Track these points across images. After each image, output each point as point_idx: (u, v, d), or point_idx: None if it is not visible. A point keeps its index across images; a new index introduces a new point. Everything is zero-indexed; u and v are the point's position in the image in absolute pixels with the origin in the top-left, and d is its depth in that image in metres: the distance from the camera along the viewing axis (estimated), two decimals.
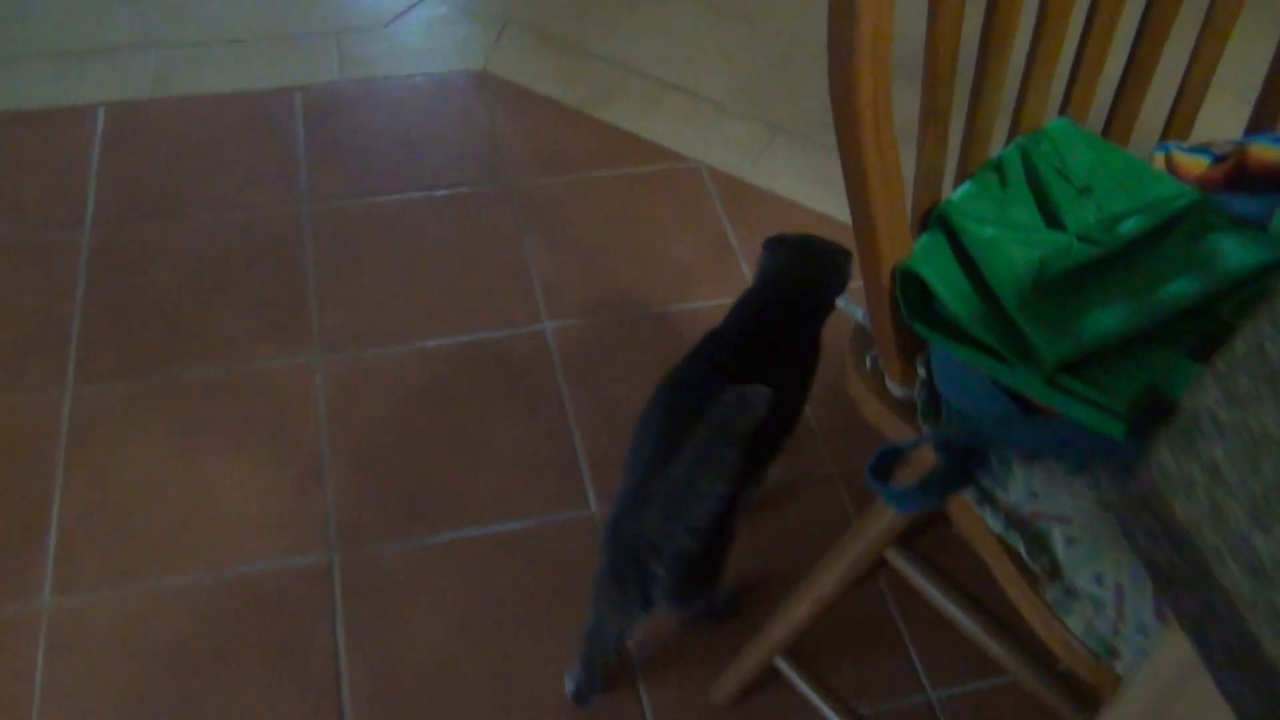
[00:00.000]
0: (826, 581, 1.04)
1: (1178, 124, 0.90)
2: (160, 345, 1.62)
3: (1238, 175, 0.84)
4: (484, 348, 1.66)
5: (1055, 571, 0.71)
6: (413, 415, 1.56)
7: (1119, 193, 0.80)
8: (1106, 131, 0.89)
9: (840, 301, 0.89)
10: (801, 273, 1.31)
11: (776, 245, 1.36)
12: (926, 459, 0.76)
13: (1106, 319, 0.71)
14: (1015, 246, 0.76)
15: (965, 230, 0.76)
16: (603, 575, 1.11)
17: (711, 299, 1.74)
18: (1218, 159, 0.87)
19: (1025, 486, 0.72)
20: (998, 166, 0.82)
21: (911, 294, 0.75)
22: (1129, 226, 0.77)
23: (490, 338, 1.67)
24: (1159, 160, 0.87)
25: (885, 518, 0.98)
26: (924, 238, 0.78)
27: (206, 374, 1.58)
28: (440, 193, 1.89)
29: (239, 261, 1.75)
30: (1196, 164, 0.87)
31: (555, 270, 1.77)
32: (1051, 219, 0.79)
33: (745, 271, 1.79)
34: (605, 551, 1.10)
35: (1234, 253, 0.75)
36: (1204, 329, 0.72)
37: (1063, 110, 0.86)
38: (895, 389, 0.82)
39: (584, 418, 1.57)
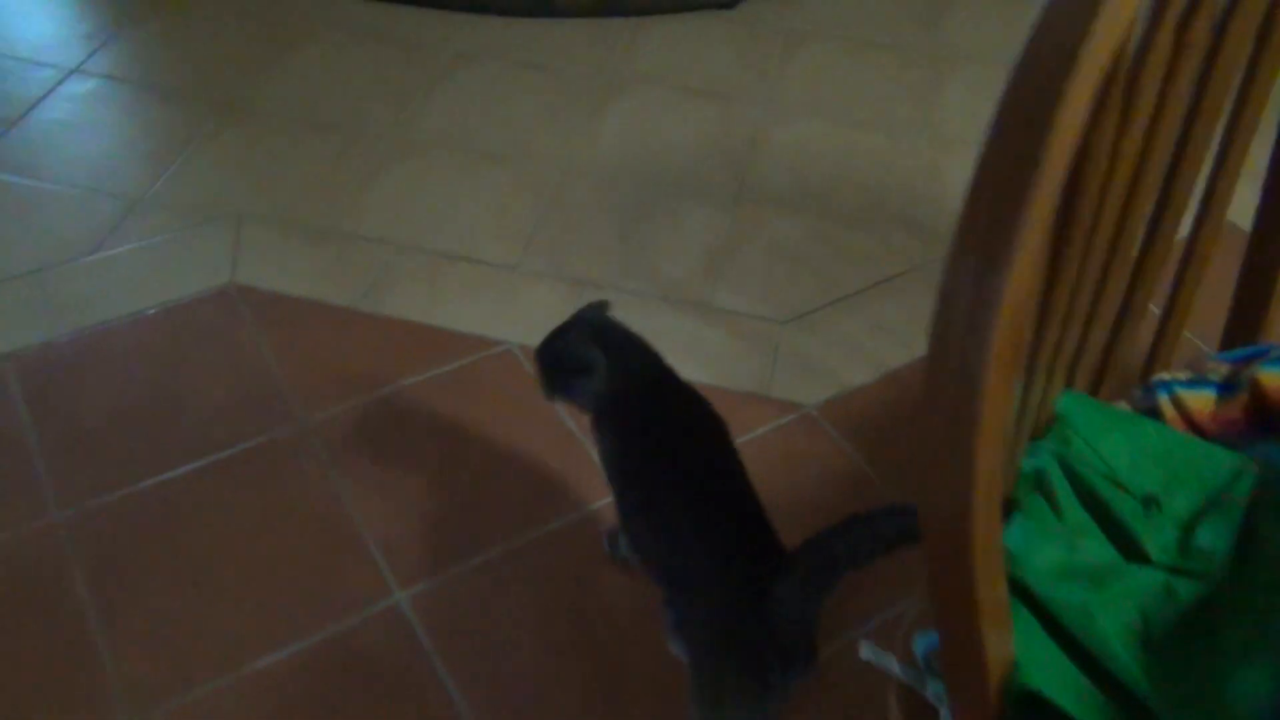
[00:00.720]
0: None
1: (1161, 353, 0.80)
2: None
3: (1258, 412, 0.75)
4: (331, 648, 1.37)
5: None
6: None
7: (1174, 485, 0.68)
8: (1099, 384, 0.78)
9: (865, 652, 0.73)
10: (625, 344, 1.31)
11: (582, 345, 1.30)
12: None
13: (1255, 682, 0.59)
14: (1112, 605, 0.62)
15: (1051, 601, 0.62)
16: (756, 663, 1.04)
17: (576, 507, 1.54)
18: (1222, 390, 0.78)
19: None
20: (1039, 484, 0.68)
21: (1012, 695, 0.60)
22: (1208, 538, 0.66)
23: (335, 633, 1.39)
24: (1166, 407, 0.77)
25: None
26: None
27: None
28: (224, 454, 1.58)
29: None
30: (1205, 401, 0.77)
31: (389, 522, 1.51)
32: (1125, 542, 0.66)
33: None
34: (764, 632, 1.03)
35: None
36: None
37: (1069, 382, 0.74)
38: None
39: (479, 705, 1.32)
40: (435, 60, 2.43)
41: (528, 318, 1.83)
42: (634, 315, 1.83)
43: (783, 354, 1.80)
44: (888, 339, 1.84)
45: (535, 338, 1.78)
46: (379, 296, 1.85)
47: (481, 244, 1.97)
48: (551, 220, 2.03)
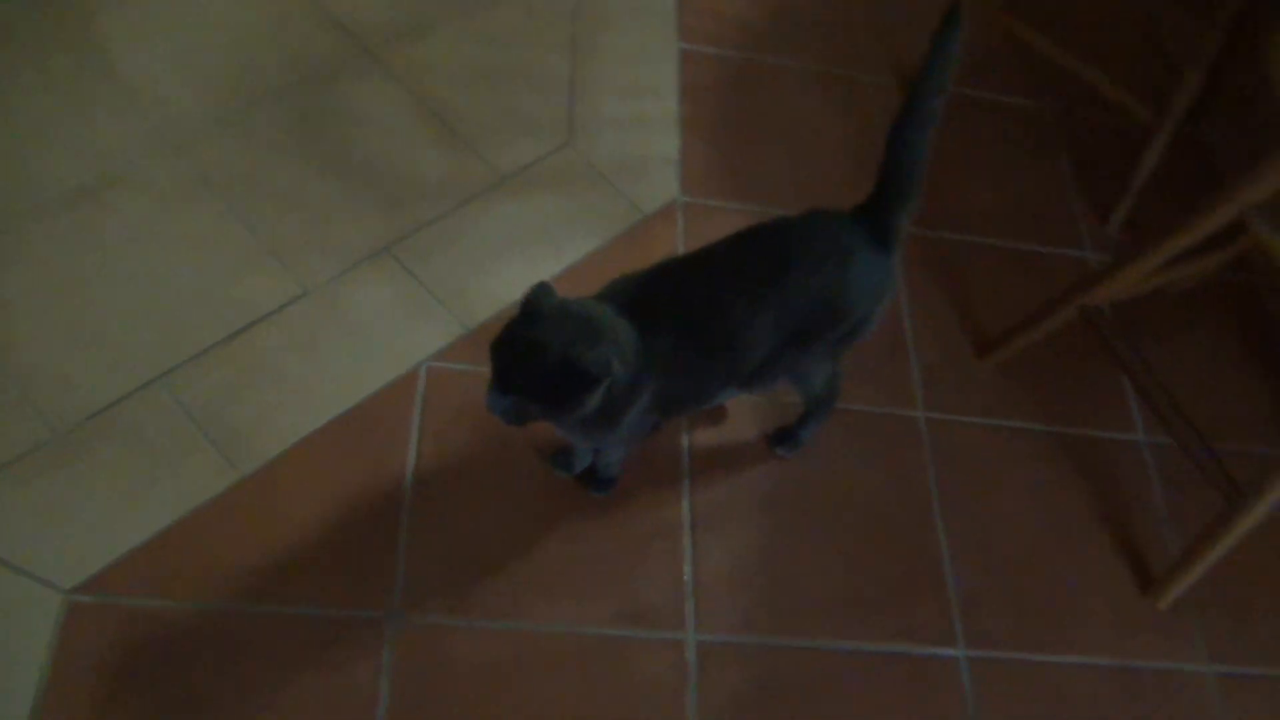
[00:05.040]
0: None
1: None
2: None
3: None
4: None
5: None
6: None
7: None
8: None
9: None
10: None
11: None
12: None
13: None
14: None
15: None
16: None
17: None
18: None
19: None
20: None
21: None
22: None
23: None
24: None
25: None
26: None
27: None
28: None
29: None
30: None
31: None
32: None
33: None
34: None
35: None
36: None
37: None
38: None
39: None
40: None
41: (388, 327, 1.48)
42: (468, 240, 1.57)
43: (601, 167, 1.71)
44: None
45: (418, 344, 1.47)
46: (245, 443, 1.36)
47: (246, 296, 1.46)
48: (269, 216, 1.54)
